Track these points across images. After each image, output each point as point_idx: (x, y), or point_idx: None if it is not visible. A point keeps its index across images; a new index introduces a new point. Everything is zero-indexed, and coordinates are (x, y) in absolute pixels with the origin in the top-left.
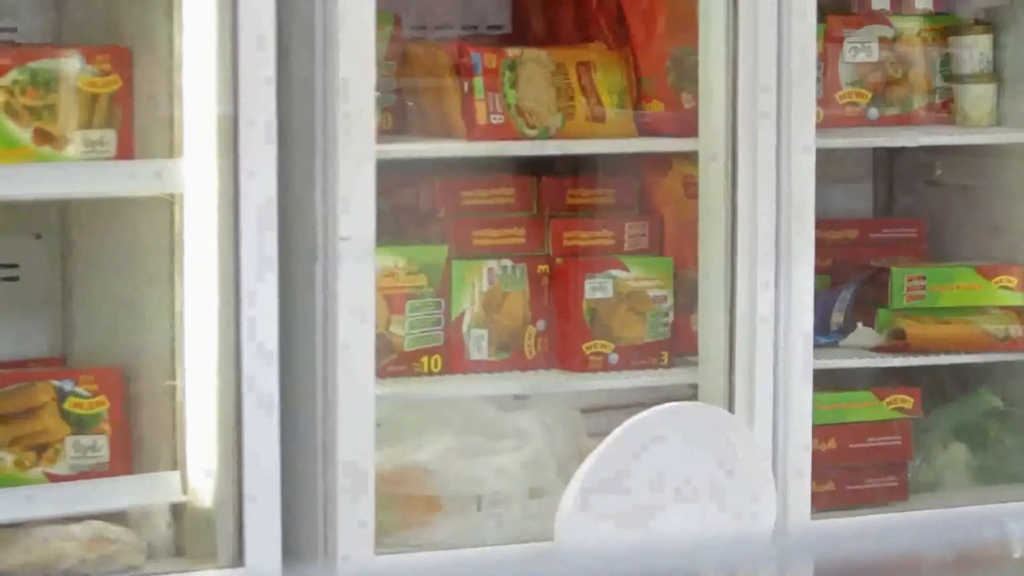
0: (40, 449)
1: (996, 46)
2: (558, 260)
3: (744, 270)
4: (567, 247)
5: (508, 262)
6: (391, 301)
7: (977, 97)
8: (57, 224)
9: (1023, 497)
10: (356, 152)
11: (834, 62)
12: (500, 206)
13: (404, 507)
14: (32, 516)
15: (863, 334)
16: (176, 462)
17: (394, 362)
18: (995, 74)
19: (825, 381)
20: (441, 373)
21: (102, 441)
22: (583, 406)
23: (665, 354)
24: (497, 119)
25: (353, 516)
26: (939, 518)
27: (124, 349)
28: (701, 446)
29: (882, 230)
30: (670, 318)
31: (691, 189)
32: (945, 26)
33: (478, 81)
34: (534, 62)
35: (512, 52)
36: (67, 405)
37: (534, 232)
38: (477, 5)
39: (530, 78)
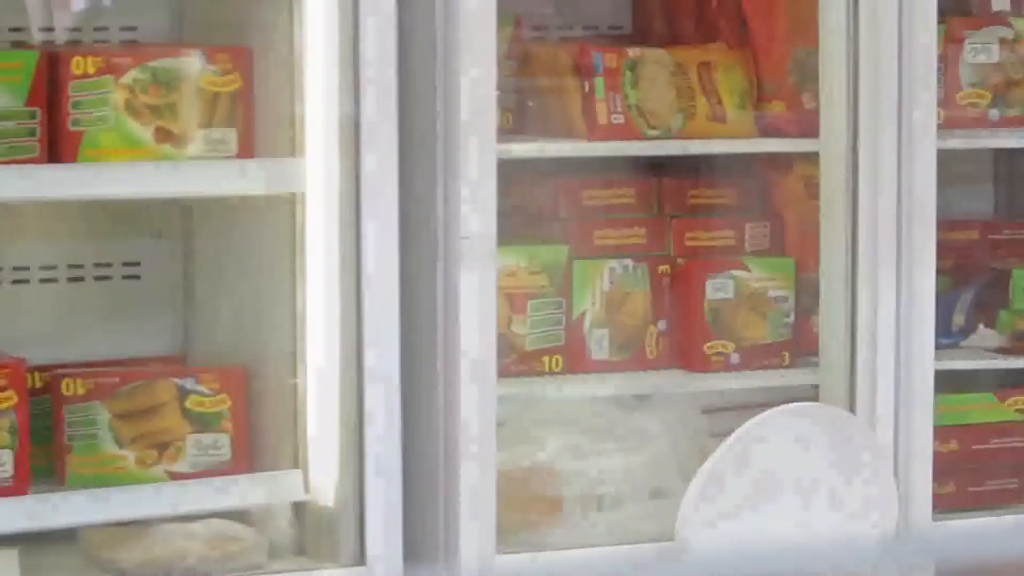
0: (162, 447)
1: None
2: (679, 260)
3: (865, 271)
4: (688, 247)
5: (629, 262)
6: (512, 300)
7: None
8: (179, 223)
9: None
10: (477, 152)
11: (954, 63)
12: (621, 206)
13: (525, 507)
14: (154, 514)
15: (984, 335)
16: (298, 461)
17: (515, 361)
18: None
19: (946, 383)
20: (562, 373)
21: (224, 439)
22: (704, 406)
23: (786, 354)
24: (618, 119)
25: (475, 516)
26: None
27: (245, 348)
28: (822, 447)
29: (1003, 231)
30: (791, 319)
31: (812, 189)
32: None
33: (599, 81)
34: (655, 62)
35: (633, 52)
36: (189, 403)
37: (655, 232)
38: (598, 6)
39: (651, 78)
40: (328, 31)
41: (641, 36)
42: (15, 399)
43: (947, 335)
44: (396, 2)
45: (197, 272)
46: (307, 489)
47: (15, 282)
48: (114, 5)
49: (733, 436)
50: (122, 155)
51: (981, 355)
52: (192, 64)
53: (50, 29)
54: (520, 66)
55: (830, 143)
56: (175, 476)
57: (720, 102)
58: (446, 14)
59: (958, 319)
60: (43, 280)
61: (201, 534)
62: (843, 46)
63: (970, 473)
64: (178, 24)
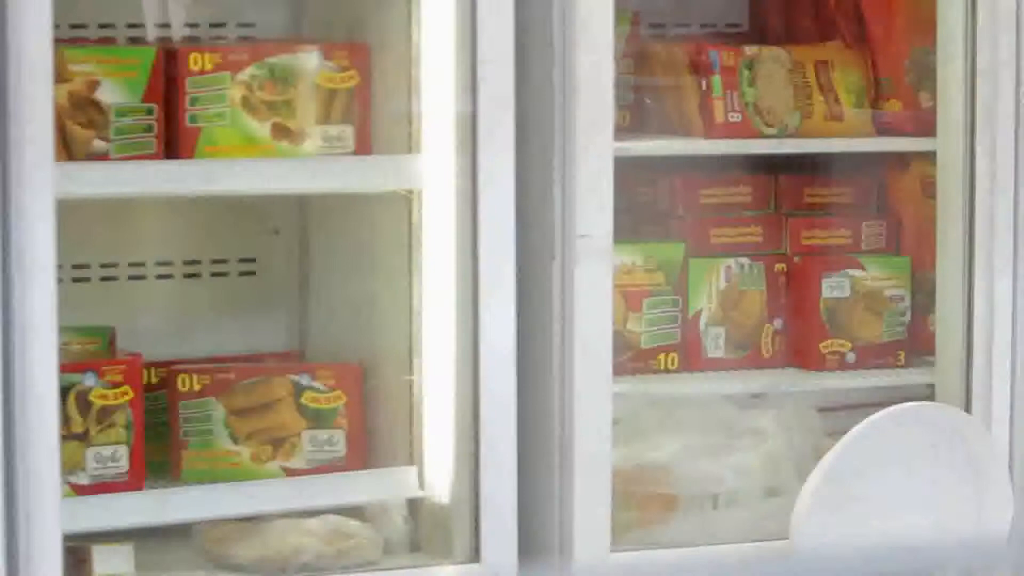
0: (277, 443)
1: None
2: (795, 259)
3: (981, 270)
4: (804, 246)
5: (745, 260)
6: (628, 298)
7: None
8: (295, 219)
9: None
10: (595, 150)
11: None
12: (737, 204)
13: (640, 505)
14: (270, 510)
15: None
16: (413, 457)
17: (631, 359)
18: None
19: None
20: (678, 371)
21: (339, 436)
22: (819, 405)
23: (902, 354)
24: (735, 117)
25: (589, 513)
26: None
27: (361, 344)
28: (937, 447)
29: None
30: (907, 318)
31: (929, 189)
32: None
33: (716, 79)
34: (772, 60)
35: (750, 50)
36: (304, 399)
37: (771, 230)
38: (715, 4)
39: (768, 76)
40: (446, 28)
41: (758, 34)
42: (131, 395)
43: None
44: (514, 10)
45: (313, 268)
46: (422, 485)
47: (132, 278)
48: (233, 2)
49: (849, 435)
50: (239, 151)
51: None
52: (309, 60)
53: (167, 25)
54: (637, 64)
55: (947, 142)
56: (290, 472)
57: (837, 100)
58: (563, 11)
59: None
60: (160, 276)
61: (316, 530)
62: (961, 45)
63: None
64: (296, 20)
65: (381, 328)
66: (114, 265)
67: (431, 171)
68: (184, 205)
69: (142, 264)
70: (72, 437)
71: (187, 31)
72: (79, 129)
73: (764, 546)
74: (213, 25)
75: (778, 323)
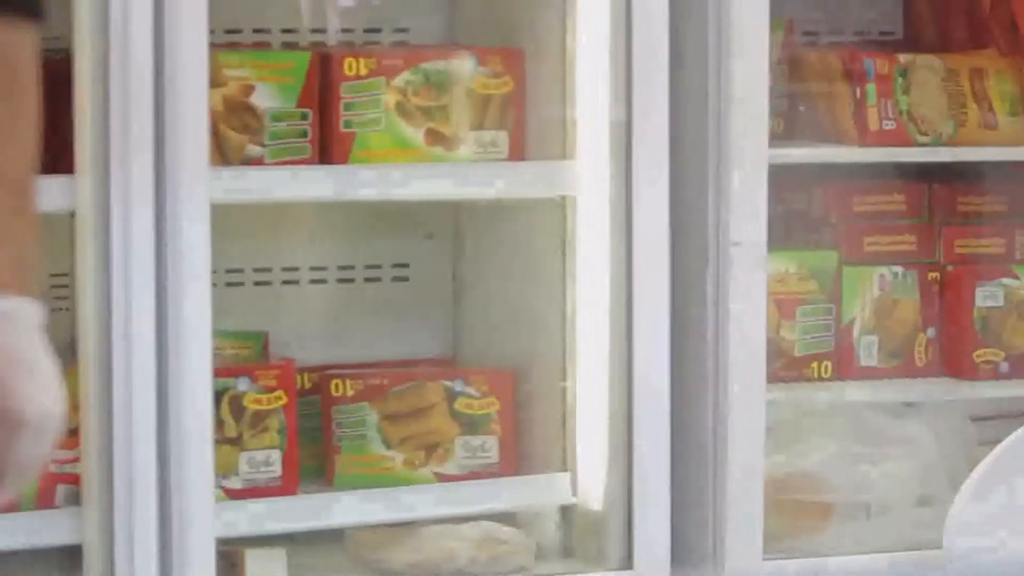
0: (430, 449)
1: None
2: (949, 267)
3: None
4: (958, 254)
5: (899, 269)
6: (782, 306)
7: None
8: (449, 224)
9: None
10: (749, 157)
11: None
12: (891, 212)
13: (793, 513)
14: (423, 516)
15: None
16: (566, 463)
17: (784, 367)
18: None
19: None
20: (831, 379)
21: (492, 442)
22: (972, 414)
23: None
24: (889, 125)
25: (742, 521)
26: None
27: (514, 350)
28: None
29: None
30: None
31: None
32: None
33: (870, 87)
34: (926, 68)
35: (904, 58)
36: (457, 405)
37: (925, 239)
38: (869, 11)
39: (922, 84)
40: (600, 34)
41: (912, 42)
42: (285, 399)
43: None
44: (668, 7)
45: (466, 273)
46: (575, 492)
47: (285, 283)
48: (388, 8)
49: (1003, 444)
50: (393, 157)
51: None
52: (464, 66)
53: (322, 31)
54: (791, 71)
55: None
56: (443, 478)
57: (991, 109)
58: (719, 19)
59: None
60: (313, 281)
61: (469, 536)
62: None
63: None
64: (450, 26)
65: (534, 334)
66: (268, 270)
67: (585, 178)
68: (338, 210)
69: (296, 269)
70: (225, 441)
71: (342, 36)
72: (234, 134)
73: (917, 555)
74: (368, 31)
75: (931, 332)
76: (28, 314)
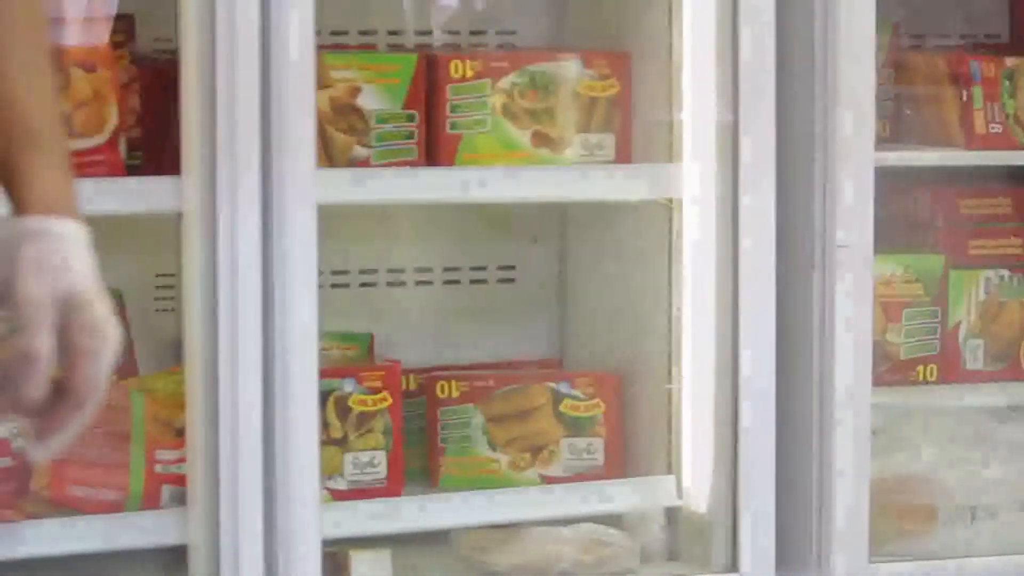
0: (535, 451)
1: None
2: None
3: None
4: None
5: (1005, 272)
6: (888, 309)
7: None
8: (554, 226)
9: None
10: (855, 160)
11: None
12: (997, 215)
13: (899, 516)
14: (528, 517)
15: None
16: (671, 466)
17: (890, 370)
18: None
19: None
20: (936, 382)
21: (597, 444)
22: None
23: None
24: (995, 128)
25: (848, 524)
26: None
27: (619, 352)
28: None
29: None
30: None
31: None
32: None
33: (976, 90)
34: None
35: (1011, 61)
36: (563, 407)
37: None
38: (975, 14)
39: None
40: (706, 37)
41: (1018, 45)
42: (390, 401)
43: None
44: (775, 9)
45: (571, 276)
46: (680, 494)
47: (391, 284)
48: (494, 10)
49: None
50: (499, 159)
51: None
52: (570, 69)
53: (428, 33)
54: (897, 74)
55: None
56: (548, 480)
57: None
58: (826, 21)
59: None
60: (419, 282)
61: (574, 538)
62: None
63: None
64: (556, 28)
65: (640, 336)
66: (374, 271)
67: (691, 180)
68: (444, 212)
69: (401, 271)
70: (331, 442)
71: (447, 38)
72: (340, 135)
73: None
74: (474, 32)
75: None
76: (88, 240)
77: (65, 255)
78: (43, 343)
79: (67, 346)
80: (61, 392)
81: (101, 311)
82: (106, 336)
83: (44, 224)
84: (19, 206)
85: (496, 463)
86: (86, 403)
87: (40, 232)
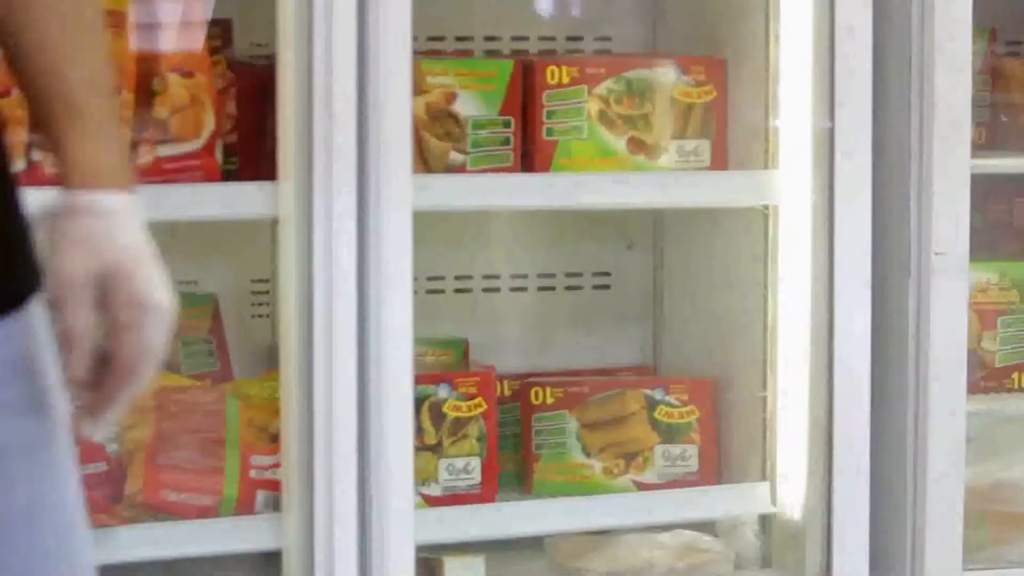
0: (629, 457)
1: None
2: None
3: None
4: None
5: None
6: (983, 316)
7: None
8: (649, 233)
9: None
10: (952, 167)
11: None
12: None
13: (994, 524)
14: (622, 524)
15: None
16: (765, 473)
17: (985, 378)
18: None
19: None
20: None
21: (691, 450)
22: None
23: None
24: None
25: (942, 531)
26: None
27: (714, 359)
28: None
29: None
30: None
31: None
32: None
33: None
34: None
35: None
36: (657, 414)
37: None
38: None
39: None
40: (803, 43)
41: None
42: (485, 407)
43: None
44: (872, 16)
45: (667, 282)
46: (774, 501)
47: (486, 290)
48: (590, 16)
49: None
50: (595, 165)
51: None
52: (666, 75)
53: (524, 38)
54: (993, 81)
55: None
56: (642, 486)
57: None
58: (922, 28)
59: None
60: (513, 288)
61: (668, 544)
62: None
63: None
64: (652, 34)
65: (735, 343)
66: (468, 277)
67: (787, 186)
68: (539, 218)
69: (496, 277)
70: (425, 448)
71: (543, 44)
72: (436, 141)
73: None
74: (570, 39)
75: None
76: (138, 210)
77: (109, 228)
78: (78, 321)
79: (111, 321)
80: (108, 367)
81: (142, 282)
82: (146, 307)
83: (86, 198)
84: (63, 178)
85: (590, 469)
86: (132, 377)
87: (80, 207)
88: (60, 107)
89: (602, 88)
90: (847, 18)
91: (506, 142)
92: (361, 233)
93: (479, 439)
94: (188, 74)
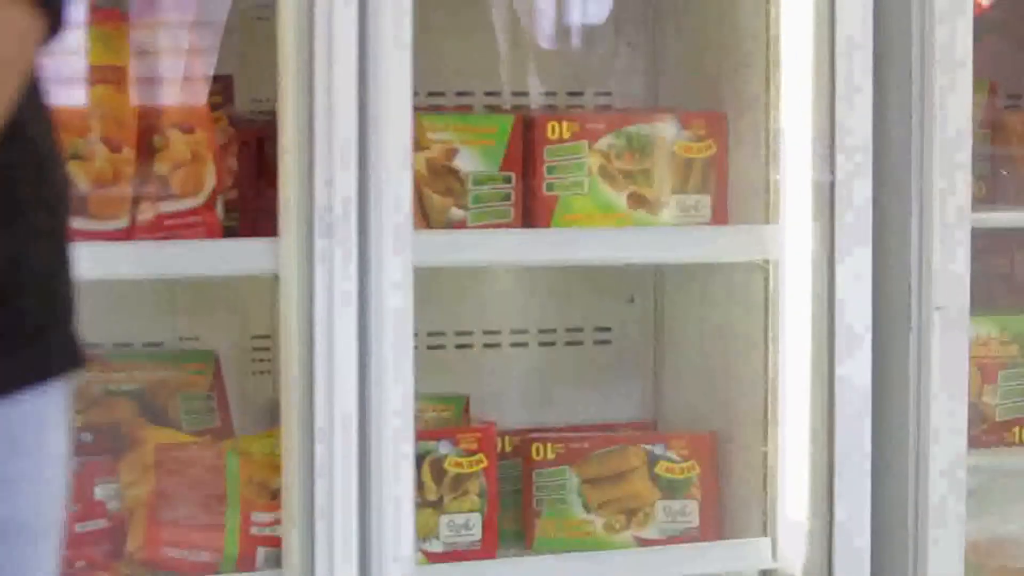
0: (630, 513)
1: None
2: None
3: None
4: None
5: None
6: (984, 370)
7: None
8: (650, 288)
9: None
10: (951, 221)
11: None
12: None
13: None
14: None
15: None
16: (766, 528)
17: (985, 432)
18: None
19: None
20: None
21: (692, 506)
22: None
23: None
24: None
25: None
26: None
27: (714, 413)
28: None
29: None
30: None
31: None
32: None
33: None
34: None
35: None
36: (658, 469)
37: None
38: None
39: None
40: (803, 98)
41: None
42: (486, 463)
43: None
44: (873, 71)
45: (667, 336)
46: (775, 557)
47: (486, 346)
48: (589, 70)
49: None
50: (596, 221)
51: None
52: (667, 130)
53: (524, 94)
54: (994, 134)
55: None
56: (643, 542)
57: None
58: (922, 82)
59: None
60: (514, 344)
61: None
62: None
63: None
64: (652, 89)
65: (735, 398)
66: (469, 333)
67: (788, 241)
68: (540, 273)
69: (497, 332)
70: (426, 504)
71: (544, 99)
72: (437, 197)
73: None
74: (570, 94)
75: None
76: None
77: None
78: None
79: None
80: None
81: None
82: None
83: None
84: None
85: (591, 525)
86: None
87: None
88: None
89: (603, 143)
90: (848, 73)
91: (507, 197)
92: (362, 289)
93: (480, 495)
94: (189, 130)
